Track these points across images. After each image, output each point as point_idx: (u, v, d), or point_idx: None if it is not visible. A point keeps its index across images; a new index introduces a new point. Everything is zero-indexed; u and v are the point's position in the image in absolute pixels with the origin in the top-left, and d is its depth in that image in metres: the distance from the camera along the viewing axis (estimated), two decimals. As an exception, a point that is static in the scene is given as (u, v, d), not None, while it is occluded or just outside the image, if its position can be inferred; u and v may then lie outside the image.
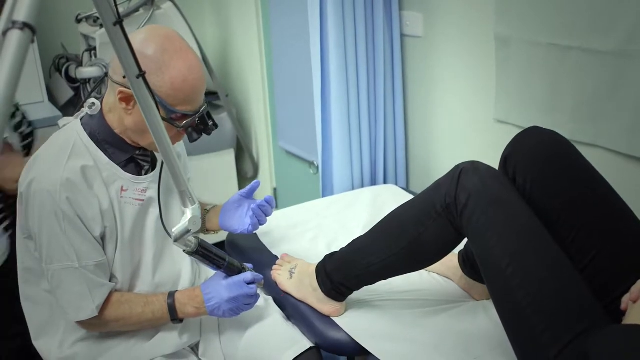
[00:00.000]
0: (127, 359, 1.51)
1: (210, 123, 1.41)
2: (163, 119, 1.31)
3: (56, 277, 1.38)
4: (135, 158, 1.46)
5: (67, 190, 1.34)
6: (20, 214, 1.41)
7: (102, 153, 1.41)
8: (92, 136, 1.41)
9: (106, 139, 1.41)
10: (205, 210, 1.71)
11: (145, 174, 1.47)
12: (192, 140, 1.42)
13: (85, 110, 1.43)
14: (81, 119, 1.44)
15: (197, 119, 1.38)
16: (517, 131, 1.42)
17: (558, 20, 1.71)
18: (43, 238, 1.36)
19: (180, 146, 1.66)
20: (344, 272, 1.45)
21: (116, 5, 1.03)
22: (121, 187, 1.43)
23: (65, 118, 1.49)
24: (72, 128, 1.42)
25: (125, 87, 1.32)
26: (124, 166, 1.44)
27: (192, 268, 1.60)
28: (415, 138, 2.33)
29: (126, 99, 1.35)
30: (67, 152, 1.37)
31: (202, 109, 1.39)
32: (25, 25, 0.76)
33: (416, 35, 2.19)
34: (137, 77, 1.11)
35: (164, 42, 1.34)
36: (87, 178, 1.38)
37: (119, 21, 1.03)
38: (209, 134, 1.42)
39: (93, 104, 1.42)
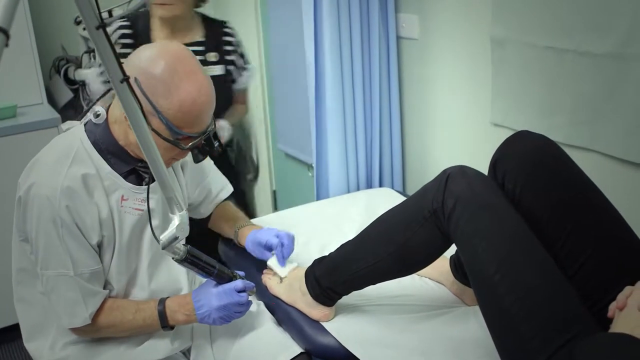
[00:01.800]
0: None
1: (216, 144, 1.38)
2: (168, 140, 1.29)
3: (50, 283, 1.38)
4: (136, 169, 1.45)
5: (66, 198, 1.33)
6: (17, 216, 1.41)
7: (104, 162, 1.40)
8: (96, 144, 1.40)
9: (109, 148, 1.40)
10: (238, 226, 1.70)
11: (146, 184, 1.45)
12: (196, 161, 1.39)
13: (90, 116, 1.41)
14: (85, 125, 1.43)
15: (203, 140, 1.35)
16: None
17: (554, 23, 1.69)
18: (40, 243, 1.36)
19: None
20: (332, 277, 1.44)
21: (99, 9, 1.02)
22: (122, 196, 1.42)
23: (68, 122, 1.48)
24: (75, 134, 1.41)
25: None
26: (125, 176, 1.43)
27: (188, 276, 1.60)
28: (411, 141, 2.32)
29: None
30: (68, 159, 1.36)
31: (209, 129, 1.36)
32: (-2, 30, 0.75)
33: (412, 37, 2.18)
34: (121, 82, 1.10)
35: (174, 62, 1.30)
36: (88, 186, 1.37)
37: (102, 25, 1.02)
38: (213, 155, 1.40)
39: (99, 113, 1.40)
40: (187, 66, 1.31)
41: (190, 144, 1.33)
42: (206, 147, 1.37)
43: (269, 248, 1.59)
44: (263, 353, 1.49)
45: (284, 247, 1.56)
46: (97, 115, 1.39)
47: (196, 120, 1.32)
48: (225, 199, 1.79)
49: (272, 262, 1.58)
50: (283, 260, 1.56)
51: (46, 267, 1.37)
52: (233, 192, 1.81)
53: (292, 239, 1.59)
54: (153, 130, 1.21)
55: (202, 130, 1.34)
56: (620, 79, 1.56)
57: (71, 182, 1.34)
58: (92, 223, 1.38)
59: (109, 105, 1.42)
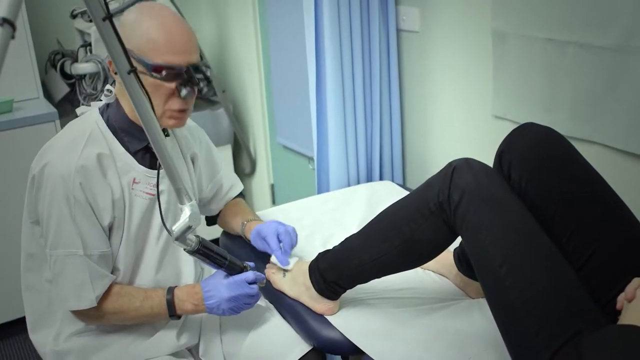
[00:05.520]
0: (123, 358, 1.50)
1: (200, 77, 1.38)
2: (144, 73, 1.31)
3: (59, 264, 1.38)
4: (150, 148, 1.44)
5: (81, 176, 1.34)
6: (29, 197, 1.42)
7: (118, 143, 1.42)
8: (109, 124, 1.42)
9: (122, 126, 1.42)
10: (246, 220, 1.69)
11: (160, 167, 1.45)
12: (181, 95, 1.37)
13: (103, 100, 1.44)
14: (99, 108, 1.45)
15: (184, 71, 1.35)
16: (515, 127, 1.40)
17: (555, 15, 1.69)
18: (51, 222, 1.36)
19: (203, 146, 1.66)
20: (336, 271, 1.43)
21: (105, 0, 1.02)
22: (133, 179, 1.43)
23: (83, 107, 1.51)
24: (90, 116, 1.44)
25: None
26: (140, 158, 1.44)
27: (196, 270, 1.59)
28: (411, 134, 2.32)
29: None
30: (83, 139, 1.38)
31: (190, 63, 1.36)
32: (5, 21, 0.74)
33: (413, 30, 2.17)
34: (129, 73, 1.10)
35: (142, 8, 1.37)
36: (102, 166, 1.39)
37: (109, 16, 1.02)
38: (199, 87, 1.39)
39: (110, 91, 1.43)
40: (156, 9, 1.38)
41: (170, 75, 1.34)
42: (189, 80, 1.36)
43: (268, 243, 1.58)
44: (274, 349, 1.48)
45: (283, 243, 1.55)
46: (108, 94, 1.42)
47: (169, 47, 1.34)
48: (236, 197, 1.79)
49: (274, 259, 1.57)
50: (284, 256, 1.54)
51: (55, 247, 1.37)
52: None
53: (290, 233, 1.57)
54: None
55: (179, 62, 1.35)
56: (622, 72, 1.57)
57: (86, 162, 1.36)
58: (104, 204, 1.39)
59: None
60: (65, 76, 2.90)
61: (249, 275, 1.42)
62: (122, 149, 1.42)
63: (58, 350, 1.48)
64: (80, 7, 2.81)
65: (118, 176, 1.41)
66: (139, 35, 1.33)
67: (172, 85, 1.35)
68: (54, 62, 2.97)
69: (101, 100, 1.46)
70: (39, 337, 1.51)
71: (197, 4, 3.41)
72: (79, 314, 1.44)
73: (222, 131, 3.13)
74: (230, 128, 3.16)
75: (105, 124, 1.42)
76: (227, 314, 1.44)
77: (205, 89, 1.41)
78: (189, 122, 1.66)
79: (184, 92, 1.36)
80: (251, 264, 1.47)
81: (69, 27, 2.92)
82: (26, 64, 2.67)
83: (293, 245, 1.57)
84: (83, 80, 2.81)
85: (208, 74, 1.40)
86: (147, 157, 1.45)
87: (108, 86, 1.43)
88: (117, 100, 1.43)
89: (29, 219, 1.44)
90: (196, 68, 1.37)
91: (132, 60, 1.25)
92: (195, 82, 1.37)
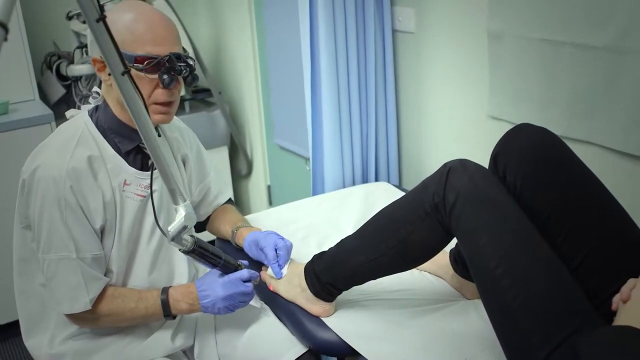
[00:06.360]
0: None
1: (183, 65, 1.36)
2: (126, 65, 1.28)
3: (52, 267, 1.37)
4: (141, 148, 1.44)
5: (71, 179, 1.34)
6: (20, 202, 1.41)
7: (108, 145, 1.41)
8: (99, 126, 1.42)
9: (111, 127, 1.42)
10: (237, 227, 1.68)
11: (154, 168, 1.44)
12: (164, 84, 1.35)
13: (91, 102, 1.44)
14: (88, 111, 1.45)
15: (165, 60, 1.34)
16: (510, 128, 1.40)
17: (551, 16, 1.69)
18: (43, 226, 1.35)
19: (194, 147, 1.65)
20: (332, 273, 1.43)
21: (99, 1, 1.02)
22: (124, 180, 1.43)
23: (72, 110, 1.51)
24: (80, 119, 1.44)
25: (99, 56, 1.34)
26: (131, 160, 1.44)
27: (189, 270, 1.59)
28: (407, 135, 2.32)
29: (103, 68, 1.37)
30: (74, 141, 1.38)
31: (171, 53, 1.35)
32: (-3, 23, 0.74)
33: (408, 30, 2.17)
34: (123, 74, 1.10)
35: (122, 6, 1.37)
36: (93, 168, 1.38)
37: (102, 17, 1.02)
38: (183, 75, 1.37)
39: (97, 93, 1.43)
40: (132, 4, 1.37)
41: (152, 66, 1.33)
42: (171, 68, 1.35)
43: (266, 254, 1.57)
44: (269, 351, 1.48)
45: (279, 257, 1.54)
46: (95, 96, 1.42)
47: (147, 38, 1.33)
48: (225, 203, 1.78)
49: (269, 271, 1.56)
50: (279, 271, 1.54)
51: (48, 251, 1.36)
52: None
53: (288, 248, 1.56)
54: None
55: (160, 52, 1.34)
56: (618, 72, 1.57)
57: (77, 164, 1.35)
58: (95, 206, 1.38)
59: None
60: (61, 78, 2.89)
61: (244, 273, 1.42)
62: (112, 151, 1.41)
63: (53, 354, 1.47)
64: (76, 9, 2.81)
65: (109, 178, 1.40)
66: (120, 28, 1.31)
67: (155, 76, 1.35)
68: (49, 63, 2.96)
69: (90, 103, 1.46)
70: (33, 342, 1.50)
71: (194, 5, 3.41)
72: (73, 318, 1.43)
73: (218, 132, 3.13)
74: (226, 129, 3.15)
75: (94, 126, 1.41)
76: (222, 312, 1.44)
77: (189, 78, 1.39)
78: (180, 123, 1.66)
79: (166, 79, 1.35)
80: (245, 262, 1.47)
81: (64, 28, 2.92)
82: (22, 65, 2.66)
83: (287, 260, 1.56)
84: (79, 82, 2.80)
85: (191, 62, 1.40)
86: (138, 158, 1.45)
87: (95, 88, 1.43)
88: (104, 101, 1.43)
89: (20, 224, 1.43)
90: (178, 57, 1.36)
91: None
92: (178, 70, 1.36)
